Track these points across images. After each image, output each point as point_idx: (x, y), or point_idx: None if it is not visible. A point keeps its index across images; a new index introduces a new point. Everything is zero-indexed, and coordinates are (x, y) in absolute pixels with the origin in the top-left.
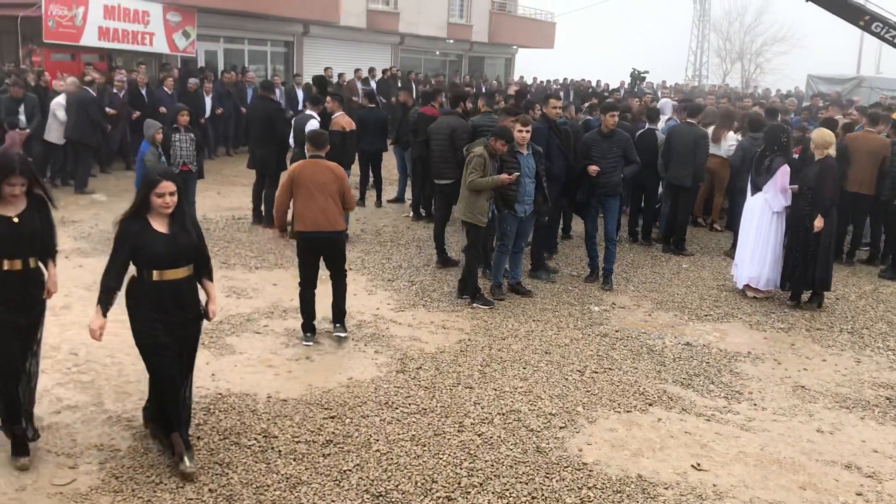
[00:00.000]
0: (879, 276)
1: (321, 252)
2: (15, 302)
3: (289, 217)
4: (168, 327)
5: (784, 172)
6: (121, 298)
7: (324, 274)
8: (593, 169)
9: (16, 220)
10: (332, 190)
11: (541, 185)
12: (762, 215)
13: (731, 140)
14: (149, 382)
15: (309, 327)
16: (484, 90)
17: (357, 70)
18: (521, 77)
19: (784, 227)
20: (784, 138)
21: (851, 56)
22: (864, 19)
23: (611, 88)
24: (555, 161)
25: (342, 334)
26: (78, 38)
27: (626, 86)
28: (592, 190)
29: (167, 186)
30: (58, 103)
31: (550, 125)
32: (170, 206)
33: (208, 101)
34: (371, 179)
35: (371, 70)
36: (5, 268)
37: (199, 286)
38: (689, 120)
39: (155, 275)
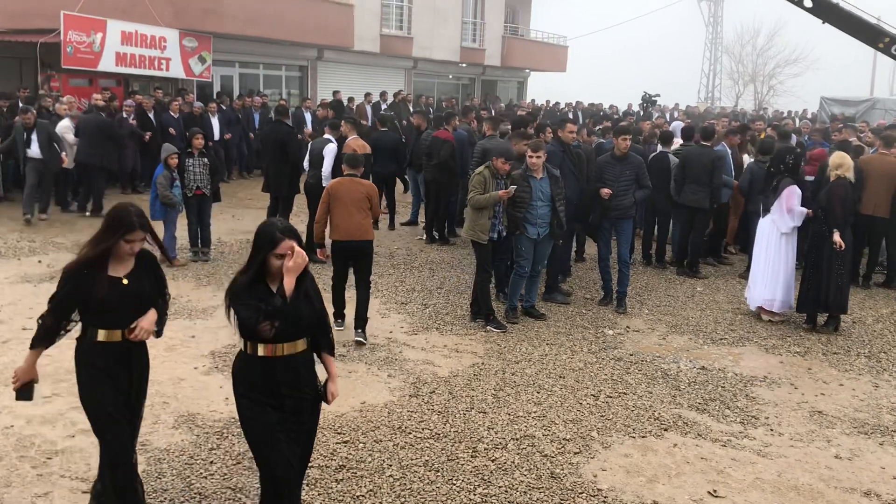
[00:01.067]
0: None
1: (352, 258)
2: (112, 376)
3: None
4: (280, 414)
5: (790, 193)
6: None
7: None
8: (605, 192)
9: (125, 281)
10: (365, 205)
11: (555, 208)
12: (770, 237)
13: (748, 163)
14: (261, 481)
15: (339, 315)
16: (493, 113)
17: (367, 94)
18: (533, 100)
19: (795, 248)
20: (790, 159)
21: (865, 78)
22: (883, 42)
23: (622, 111)
24: (567, 184)
25: (362, 339)
26: (96, 63)
27: (632, 108)
28: (605, 212)
29: (290, 245)
30: (65, 126)
31: (564, 149)
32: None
33: (215, 123)
34: (384, 202)
35: (382, 94)
36: (100, 339)
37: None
38: (702, 142)
39: (268, 349)
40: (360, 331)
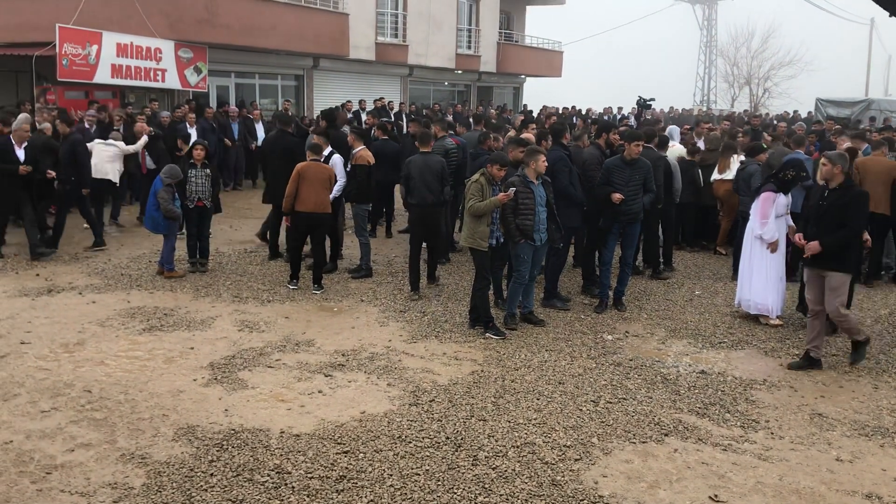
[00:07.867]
0: None
1: (311, 228)
2: None
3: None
4: None
5: (766, 199)
6: None
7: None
8: (617, 197)
9: None
10: (327, 184)
11: (552, 213)
12: (748, 240)
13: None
14: None
15: (295, 276)
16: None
17: (361, 101)
18: (525, 106)
19: (784, 252)
20: (789, 174)
21: (860, 78)
22: None
23: (618, 116)
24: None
25: (317, 291)
26: (91, 75)
27: (623, 112)
28: (616, 217)
29: None
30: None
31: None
32: None
33: (193, 133)
34: (383, 210)
35: (361, 102)
36: None
37: None
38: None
39: None
40: (316, 284)
